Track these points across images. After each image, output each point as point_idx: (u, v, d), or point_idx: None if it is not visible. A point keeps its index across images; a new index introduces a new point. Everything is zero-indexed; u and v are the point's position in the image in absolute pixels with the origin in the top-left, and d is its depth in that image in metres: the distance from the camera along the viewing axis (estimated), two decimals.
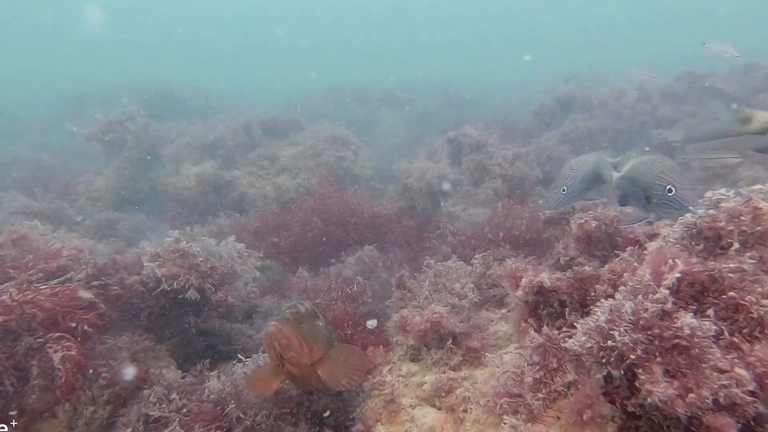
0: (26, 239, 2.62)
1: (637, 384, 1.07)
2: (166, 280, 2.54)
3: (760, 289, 1.16)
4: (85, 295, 2.27)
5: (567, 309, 1.73)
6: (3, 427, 1.96)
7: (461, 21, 44.69)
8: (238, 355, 2.40)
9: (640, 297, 1.12)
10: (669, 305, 1.09)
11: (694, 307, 1.16)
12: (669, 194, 1.76)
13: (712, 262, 1.21)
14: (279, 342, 1.74)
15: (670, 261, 1.14)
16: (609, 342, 1.09)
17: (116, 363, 2.45)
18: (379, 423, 2.07)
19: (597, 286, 1.70)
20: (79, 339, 2.15)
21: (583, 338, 1.16)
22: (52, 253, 2.48)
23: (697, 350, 1.03)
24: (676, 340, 1.05)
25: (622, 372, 1.10)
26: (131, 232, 5.71)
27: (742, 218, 1.30)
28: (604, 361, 1.13)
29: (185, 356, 2.83)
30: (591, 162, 2.39)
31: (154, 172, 7.07)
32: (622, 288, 1.23)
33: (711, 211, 1.33)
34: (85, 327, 2.18)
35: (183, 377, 2.48)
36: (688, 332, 1.04)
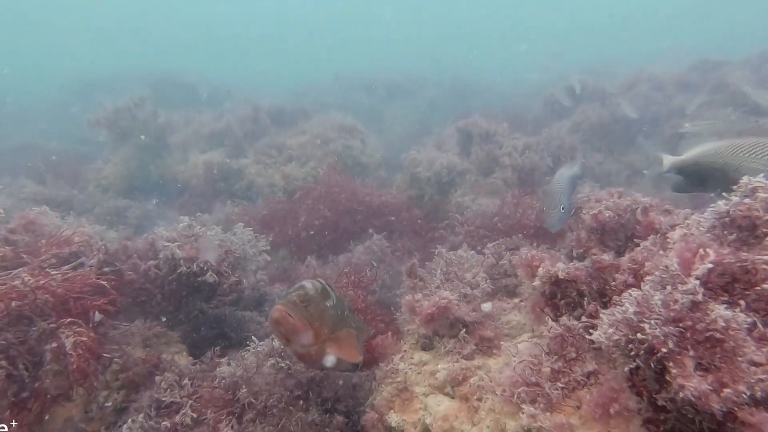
0: (38, 225, 2.62)
1: (667, 378, 1.03)
2: (184, 262, 2.53)
3: None
4: (98, 281, 2.27)
5: (585, 299, 1.70)
6: (3, 427, 1.96)
7: (472, 11, 44.06)
8: (252, 336, 2.40)
9: (668, 288, 1.08)
10: (699, 296, 1.05)
11: (725, 299, 1.12)
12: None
13: (745, 253, 1.16)
14: (283, 326, 1.70)
15: (701, 250, 1.09)
16: (639, 335, 1.06)
17: (129, 348, 2.46)
18: (392, 410, 2.06)
19: (617, 276, 1.67)
20: (91, 325, 2.16)
21: (611, 330, 1.12)
22: (64, 239, 2.47)
23: (731, 343, 1.00)
24: (710, 333, 1.01)
25: (652, 365, 1.07)
26: (140, 219, 5.72)
27: None
28: (633, 354, 1.09)
29: (195, 343, 2.83)
30: (567, 175, 2.66)
31: (162, 160, 7.07)
32: (647, 278, 1.19)
33: (747, 200, 1.28)
34: (97, 313, 2.18)
35: (194, 364, 2.48)
36: (722, 324, 1.00)
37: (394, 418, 2.02)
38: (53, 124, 12.34)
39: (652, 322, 1.04)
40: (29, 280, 2.05)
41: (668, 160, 2.37)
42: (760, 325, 1.07)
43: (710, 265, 1.08)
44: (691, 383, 0.97)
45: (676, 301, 1.04)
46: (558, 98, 6.83)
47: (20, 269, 2.18)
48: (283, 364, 2.20)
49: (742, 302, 1.10)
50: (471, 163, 5.92)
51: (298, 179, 6.52)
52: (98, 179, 6.91)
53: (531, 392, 1.52)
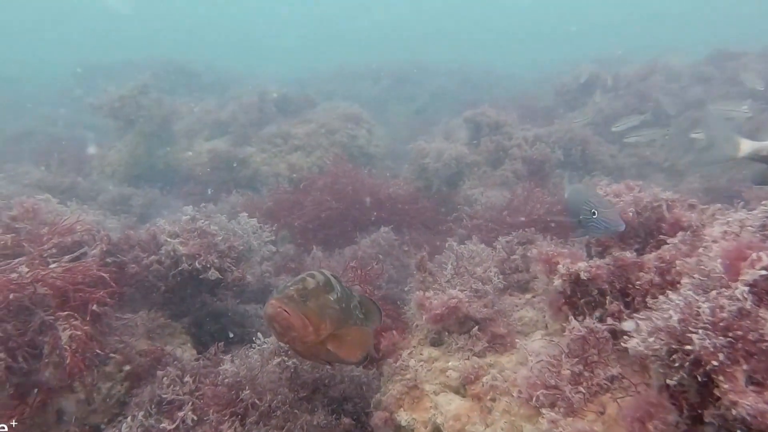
0: (40, 213, 2.56)
1: (717, 393, 0.95)
2: (186, 259, 2.46)
3: None
4: (99, 273, 2.20)
5: (607, 298, 1.62)
6: (3, 428, 1.92)
7: (482, 6, 43.27)
8: (258, 333, 2.33)
9: (713, 294, 0.99)
10: (747, 304, 0.97)
11: None
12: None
13: None
14: (278, 323, 1.55)
15: (754, 254, 1.00)
16: (687, 346, 0.97)
17: (133, 339, 2.41)
18: (402, 408, 2.00)
19: (641, 274, 1.58)
20: (88, 318, 2.09)
21: (651, 339, 1.04)
22: (66, 227, 2.41)
23: None
24: (764, 344, 0.92)
25: (698, 378, 0.98)
26: (144, 208, 5.67)
27: None
28: (677, 365, 1.01)
29: (199, 336, 2.78)
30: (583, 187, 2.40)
31: (166, 147, 7.00)
32: (684, 280, 1.11)
33: None
34: (95, 306, 2.11)
35: (197, 359, 2.43)
36: None
37: (403, 417, 1.96)
38: (57, 109, 12.26)
39: (701, 332, 0.95)
40: (27, 272, 1.99)
41: (747, 144, 2.02)
42: None
43: (764, 271, 0.99)
44: (746, 400, 0.89)
45: (722, 308, 0.96)
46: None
47: (19, 259, 2.12)
48: (289, 363, 2.12)
49: None
50: (479, 154, 5.80)
51: (304, 169, 6.43)
52: (102, 166, 6.86)
53: (550, 395, 1.45)
